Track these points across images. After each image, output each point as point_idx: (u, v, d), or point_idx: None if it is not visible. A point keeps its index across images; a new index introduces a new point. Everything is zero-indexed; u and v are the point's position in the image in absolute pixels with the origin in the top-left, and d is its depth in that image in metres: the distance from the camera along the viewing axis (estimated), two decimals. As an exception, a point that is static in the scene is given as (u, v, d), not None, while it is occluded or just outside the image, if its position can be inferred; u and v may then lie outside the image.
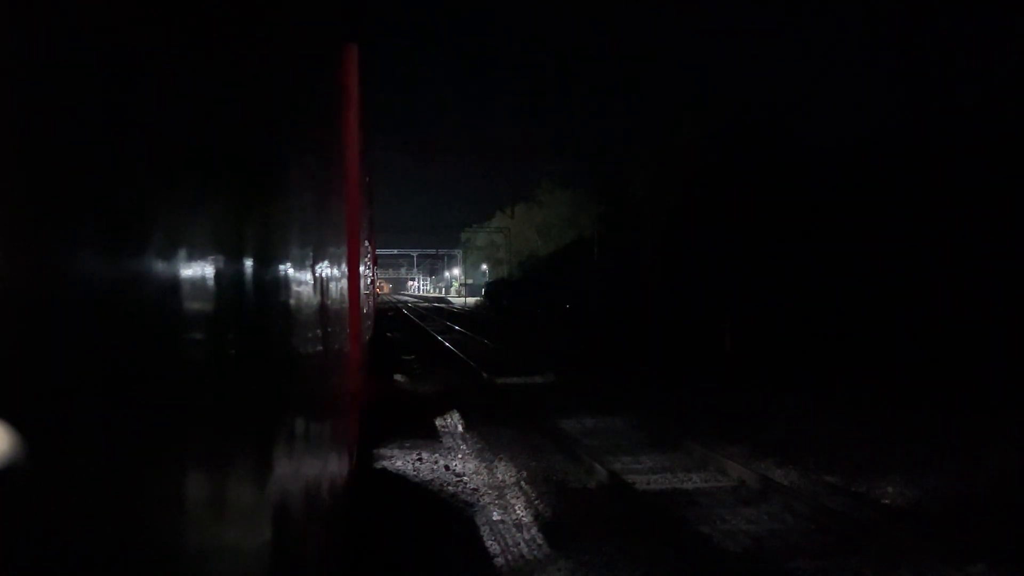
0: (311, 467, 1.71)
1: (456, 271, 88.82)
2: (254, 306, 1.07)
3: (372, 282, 13.32)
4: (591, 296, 24.75)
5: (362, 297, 5.97)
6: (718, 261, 16.84)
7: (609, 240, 25.95)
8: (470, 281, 68.84)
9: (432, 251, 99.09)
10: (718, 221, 17.31)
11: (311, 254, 1.97)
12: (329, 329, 2.45)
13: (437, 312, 40.49)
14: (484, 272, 63.71)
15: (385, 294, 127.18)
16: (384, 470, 5.87)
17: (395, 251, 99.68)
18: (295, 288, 1.59)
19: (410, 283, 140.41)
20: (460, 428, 7.61)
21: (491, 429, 7.44)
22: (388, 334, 21.11)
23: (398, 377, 11.47)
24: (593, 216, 28.72)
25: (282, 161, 1.42)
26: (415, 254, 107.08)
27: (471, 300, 54.70)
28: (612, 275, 24.07)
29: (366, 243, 8.47)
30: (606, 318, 22.30)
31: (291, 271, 1.53)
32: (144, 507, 0.56)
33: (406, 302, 71.52)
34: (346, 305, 3.72)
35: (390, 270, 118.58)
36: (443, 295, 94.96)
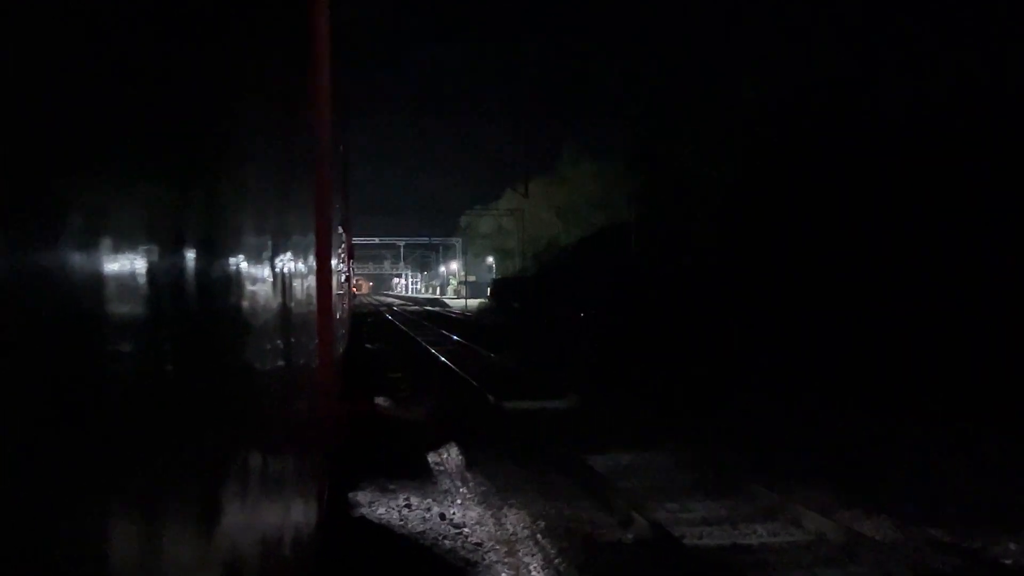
0: (265, 517, 1.71)
1: (454, 265, 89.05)
2: (191, 312, 1.06)
3: (348, 279, 13.38)
4: (627, 294, 24.74)
5: (335, 298, 5.98)
6: (796, 250, 16.72)
7: (650, 224, 25.94)
8: (472, 278, 69.11)
9: (424, 239, 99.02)
10: (792, 201, 17.23)
11: (269, 244, 1.98)
12: (292, 340, 2.47)
13: (430, 318, 40.66)
14: (490, 266, 63.89)
15: (364, 294, 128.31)
16: (363, 519, 5.87)
17: (376, 240, 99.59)
18: (248, 288, 1.59)
19: (396, 281, 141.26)
20: (459, 465, 7.60)
21: (498, 467, 7.42)
22: (368, 346, 21.20)
23: (381, 401, 11.50)
24: (629, 195, 28.69)
25: (229, 123, 1.41)
26: (402, 243, 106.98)
27: (473, 302, 54.91)
28: (654, 268, 24.04)
29: (340, 230, 8.50)
30: (646, 322, 22.28)
31: (242, 266, 1.53)
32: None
33: (391, 304, 71.89)
34: (314, 308, 3.74)
35: (370, 264, 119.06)
36: (438, 295, 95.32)
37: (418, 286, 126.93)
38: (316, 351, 3.73)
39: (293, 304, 2.56)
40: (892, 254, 14.27)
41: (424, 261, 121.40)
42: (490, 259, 63.83)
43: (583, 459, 7.56)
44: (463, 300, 60.50)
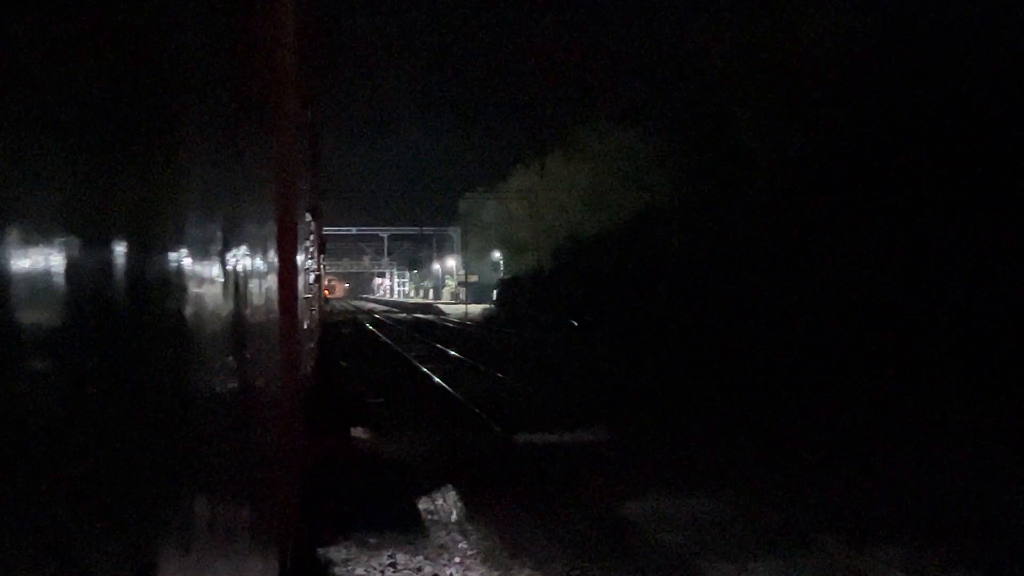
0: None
1: (451, 262, 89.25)
2: (107, 324, 1.05)
3: (318, 279, 13.43)
4: (667, 299, 24.71)
5: (301, 304, 5.99)
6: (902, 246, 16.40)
7: (697, 211, 25.91)
8: (474, 278, 69.26)
9: (413, 229, 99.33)
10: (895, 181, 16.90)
11: (214, 235, 1.99)
12: (245, 357, 2.48)
13: (421, 328, 40.77)
14: (496, 263, 63.99)
15: (338, 298, 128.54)
16: (336, 582, 5.87)
17: (353, 230, 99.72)
18: (186, 291, 1.59)
19: (378, 281, 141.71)
20: (457, 513, 7.59)
21: (506, 515, 7.41)
22: (343, 363, 21.26)
23: (359, 432, 11.52)
24: (673, 173, 28.67)
25: (166, 84, 1.42)
26: (386, 234, 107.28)
27: (475, 308, 55.04)
28: (700, 266, 24.00)
29: (307, 217, 8.52)
30: (690, 333, 22.23)
31: (178, 263, 1.53)
32: None
33: (372, 311, 72.12)
34: (275, 316, 3.74)
35: (346, 260, 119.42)
36: (431, 300, 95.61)
37: (406, 288, 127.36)
38: (277, 370, 3.73)
39: (247, 311, 2.56)
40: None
41: (413, 257, 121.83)
42: (496, 254, 63.86)
43: (613, 505, 7.53)
44: (462, 306, 60.59)
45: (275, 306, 3.74)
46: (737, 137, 24.71)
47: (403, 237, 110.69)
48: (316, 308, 12.95)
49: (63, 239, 0.86)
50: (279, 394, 3.77)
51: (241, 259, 2.43)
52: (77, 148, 0.94)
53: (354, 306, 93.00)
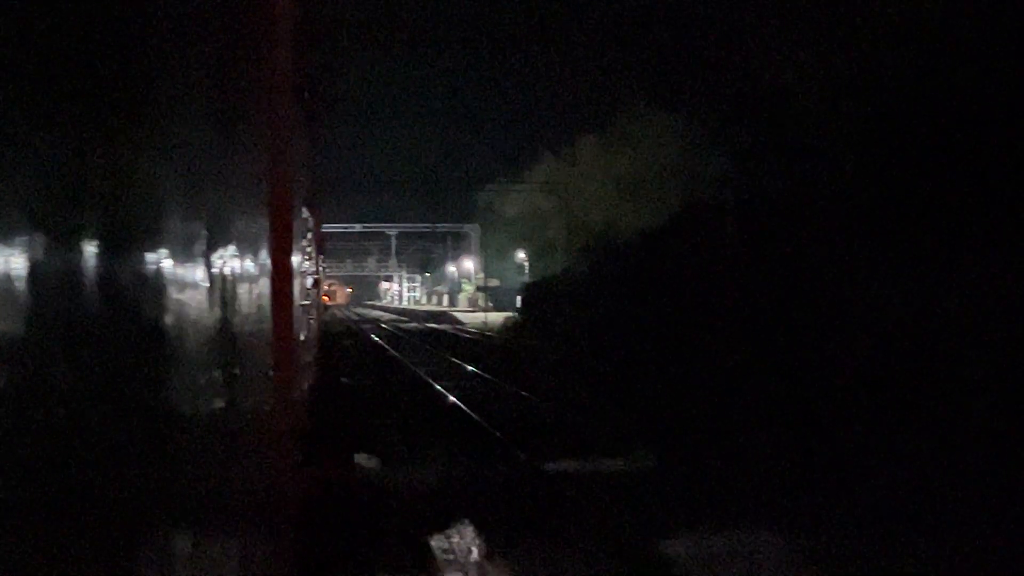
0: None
1: (469, 263, 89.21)
2: (76, 331, 1.06)
3: (316, 283, 13.48)
4: (721, 307, 24.56)
5: (298, 312, 6.00)
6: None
7: (757, 202, 25.72)
8: (494, 282, 69.18)
9: (425, 227, 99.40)
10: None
11: (203, 234, 2.00)
12: (233, 374, 2.48)
13: (434, 339, 40.80)
14: (520, 265, 63.88)
15: (340, 305, 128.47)
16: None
17: (358, 227, 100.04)
18: (163, 299, 1.59)
19: (386, 286, 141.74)
20: (475, 553, 7.58)
21: (532, 556, 7.39)
22: (345, 380, 21.31)
23: (363, 460, 11.54)
24: (727, 160, 28.51)
25: (137, 53, 1.42)
26: (394, 232, 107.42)
27: (496, 317, 54.97)
28: (762, 265, 23.83)
29: (304, 212, 8.56)
30: (749, 344, 22.07)
31: (161, 265, 1.54)
32: None
33: (378, 320, 72.01)
34: (267, 327, 3.75)
35: (349, 262, 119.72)
36: (445, 307, 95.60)
37: (416, 294, 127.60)
38: (270, 389, 3.74)
39: (235, 321, 2.56)
40: None
41: (425, 258, 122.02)
42: (520, 255, 63.82)
43: (658, 544, 7.48)
44: (481, 314, 60.56)
45: (267, 315, 3.74)
46: (799, 117, 24.54)
47: (414, 236, 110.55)
48: (315, 317, 13.00)
49: (21, 237, 0.85)
50: (272, 416, 3.78)
51: (228, 261, 2.43)
52: (45, 135, 0.94)
53: (358, 314, 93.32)
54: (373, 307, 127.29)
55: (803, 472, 10.27)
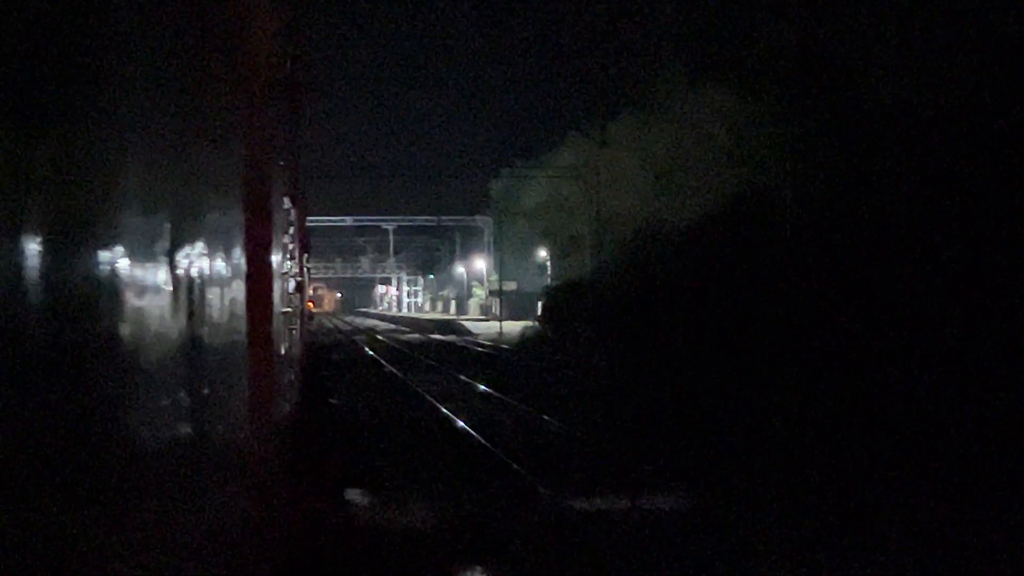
0: None
1: (480, 263, 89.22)
2: (11, 345, 1.05)
3: (300, 287, 13.46)
4: (780, 305, 24.51)
5: (278, 321, 5.96)
6: None
7: (820, 188, 25.63)
8: (511, 285, 69.23)
9: (428, 220, 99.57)
10: None
11: (166, 230, 2.03)
12: (202, 394, 2.50)
13: (439, 353, 40.86)
14: (542, 264, 63.90)
15: (328, 312, 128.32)
16: None
17: (348, 220, 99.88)
18: (125, 304, 1.62)
19: (381, 290, 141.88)
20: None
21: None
22: (334, 401, 21.36)
23: (355, 495, 11.54)
24: (786, 140, 28.41)
25: (80, 14, 1.41)
26: (391, 227, 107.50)
27: (513, 326, 55.09)
28: (828, 261, 23.74)
29: (286, 203, 8.53)
30: (818, 354, 22.00)
31: (115, 267, 1.55)
32: None
33: (373, 329, 72.06)
34: (242, 339, 3.76)
35: (338, 262, 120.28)
36: (453, 315, 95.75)
37: (419, 299, 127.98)
38: (245, 413, 3.73)
39: (203, 333, 2.58)
40: None
41: (429, 257, 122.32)
42: (542, 253, 63.92)
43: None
44: (495, 323, 60.62)
45: (242, 325, 3.74)
46: (870, 93, 24.45)
47: (415, 230, 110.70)
48: (299, 326, 12.99)
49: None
50: (247, 444, 3.75)
51: (195, 261, 2.45)
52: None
53: (349, 323, 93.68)
54: (367, 315, 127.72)
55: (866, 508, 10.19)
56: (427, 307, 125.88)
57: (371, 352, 41.66)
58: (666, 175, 42.92)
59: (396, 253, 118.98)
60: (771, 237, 28.00)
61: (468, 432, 16.42)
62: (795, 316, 24.16)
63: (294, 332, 10.89)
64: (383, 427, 17.43)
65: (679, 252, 33.99)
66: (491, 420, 18.10)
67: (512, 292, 69.91)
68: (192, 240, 2.41)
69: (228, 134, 3.45)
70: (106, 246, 1.50)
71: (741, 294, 27.07)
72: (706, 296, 28.92)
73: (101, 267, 1.46)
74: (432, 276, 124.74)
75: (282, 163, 7.50)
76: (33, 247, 1.13)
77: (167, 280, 2.03)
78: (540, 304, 52.59)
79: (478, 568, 8.39)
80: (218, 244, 2.97)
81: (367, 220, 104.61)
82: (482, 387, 24.37)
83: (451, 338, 56.23)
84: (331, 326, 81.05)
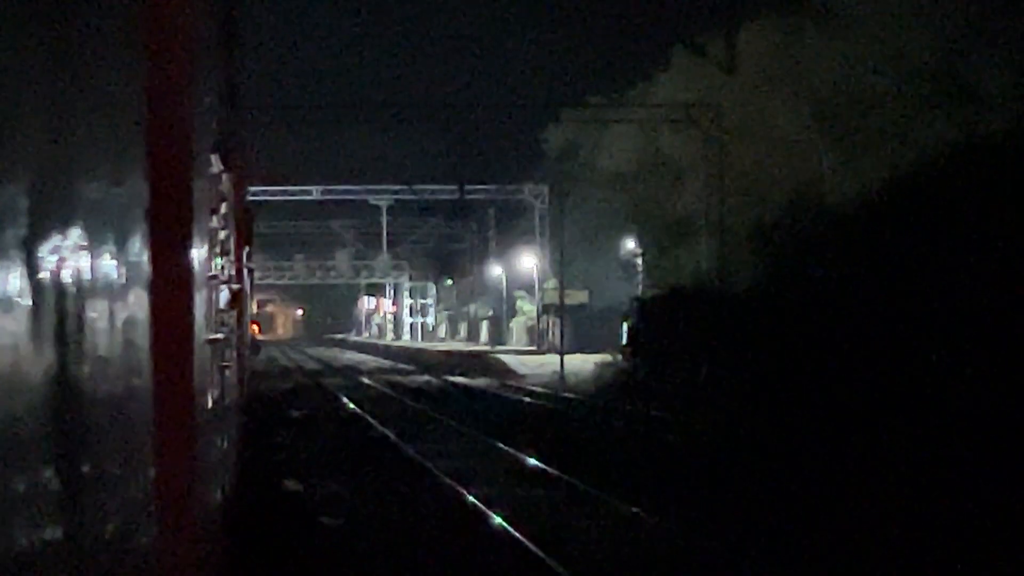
0: None
1: (528, 261, 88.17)
2: None
3: (236, 298, 13.52)
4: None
5: (201, 355, 5.99)
6: None
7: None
8: (579, 298, 68.95)
9: (444, 191, 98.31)
10: None
11: (15, 208, 2.05)
12: (81, 473, 2.51)
13: (460, 405, 40.95)
14: (628, 261, 63.66)
15: (279, 340, 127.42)
16: None
17: (315, 191, 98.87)
18: None
19: (369, 305, 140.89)
20: None
21: None
22: (290, 484, 21.44)
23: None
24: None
25: None
26: (385, 203, 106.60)
27: (581, 362, 54.97)
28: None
29: (215, 166, 8.56)
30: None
31: None
32: None
33: (357, 368, 71.81)
34: (144, 385, 3.82)
35: (300, 257, 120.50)
36: (483, 343, 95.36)
37: (430, 319, 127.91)
38: (145, 506, 3.76)
39: (76, 376, 2.57)
40: None
41: (446, 252, 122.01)
42: (629, 244, 63.87)
43: None
44: (553, 357, 60.39)
45: (142, 363, 3.76)
46: None
47: (422, 208, 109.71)
48: (235, 363, 12.99)
49: None
50: (149, 561, 3.76)
51: (65, 258, 2.44)
52: None
53: (316, 357, 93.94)
54: (344, 345, 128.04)
55: None
56: (442, 331, 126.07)
57: (347, 402, 42.00)
58: (835, 117, 42.86)
59: (392, 245, 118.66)
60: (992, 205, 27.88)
61: (507, 533, 16.44)
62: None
63: (227, 370, 10.88)
64: (371, 530, 17.47)
65: (865, 239, 33.82)
66: (546, 517, 18.29)
67: (578, 306, 69.96)
68: (59, 225, 2.40)
69: (123, 61, 3.45)
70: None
71: (980, 303, 26.94)
72: (918, 310, 28.76)
73: None
74: (451, 281, 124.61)
75: (208, 98, 7.50)
76: None
77: (18, 291, 2.02)
78: (625, 326, 52.44)
79: None
80: (103, 230, 2.96)
81: (345, 192, 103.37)
82: (531, 460, 24.48)
83: (479, 381, 56.34)
84: (287, 363, 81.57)
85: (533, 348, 79.17)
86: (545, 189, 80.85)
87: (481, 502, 19.43)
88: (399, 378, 60.87)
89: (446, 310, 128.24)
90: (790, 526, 17.21)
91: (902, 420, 26.02)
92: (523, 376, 57.36)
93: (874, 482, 21.15)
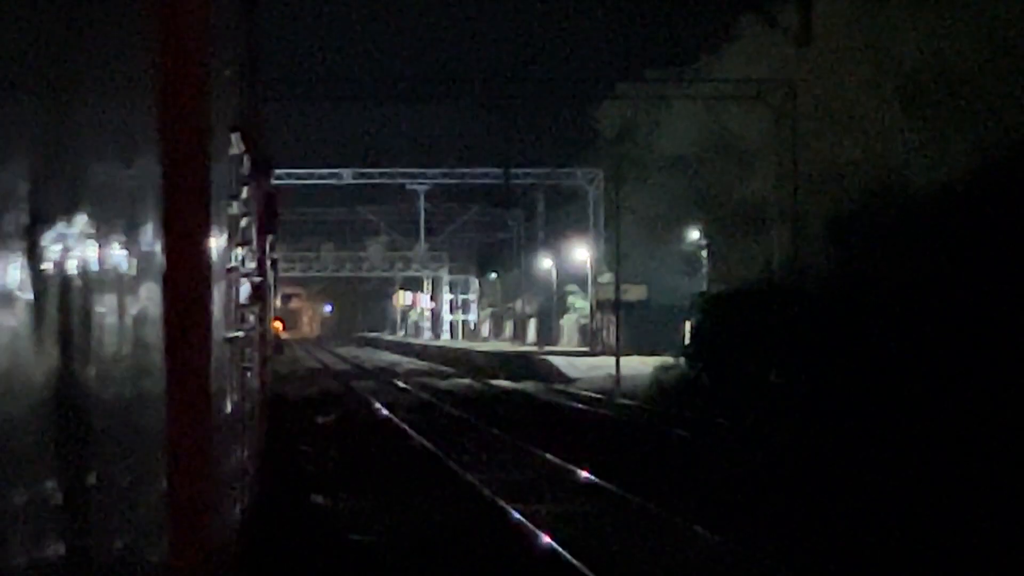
0: None
1: (581, 252, 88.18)
2: None
3: (258, 293, 13.55)
4: None
5: (221, 355, 5.98)
6: None
7: None
8: (637, 293, 69.00)
9: (487, 175, 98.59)
10: None
11: (15, 195, 2.05)
12: (88, 485, 2.52)
13: (504, 411, 41.01)
14: (691, 253, 63.64)
15: (304, 339, 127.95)
16: None
17: (346, 173, 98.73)
18: None
19: (404, 298, 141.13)
20: None
21: None
22: (317, 500, 21.47)
23: None
24: None
25: None
26: (423, 188, 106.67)
27: (639, 364, 54.94)
28: None
29: (235, 145, 8.56)
30: None
31: None
32: None
33: (390, 370, 72.03)
34: (156, 390, 3.83)
35: (327, 248, 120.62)
36: (531, 342, 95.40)
37: (472, 316, 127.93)
38: (161, 520, 3.80)
39: (83, 377, 2.58)
40: None
41: (490, 243, 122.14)
42: (693, 234, 63.88)
43: None
44: (607, 358, 60.35)
45: (155, 363, 3.78)
46: None
47: (463, 194, 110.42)
48: (257, 363, 13.03)
49: None
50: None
51: (70, 249, 2.45)
52: None
53: (346, 357, 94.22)
54: (378, 345, 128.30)
55: None
56: (485, 330, 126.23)
57: (380, 408, 42.11)
58: (921, 95, 42.79)
59: (430, 235, 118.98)
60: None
61: (563, 558, 16.42)
62: None
63: (249, 372, 10.90)
64: (407, 552, 17.50)
65: (953, 231, 33.74)
66: (611, 543, 18.31)
67: (636, 303, 70.03)
68: (61, 208, 2.40)
69: (126, 11, 3.46)
70: None
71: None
72: (1016, 310, 28.68)
73: None
74: (495, 275, 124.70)
75: (228, 71, 7.51)
76: None
77: (18, 284, 2.02)
78: (688, 326, 52.40)
79: None
80: (112, 218, 2.97)
81: (379, 175, 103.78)
82: (583, 474, 24.56)
83: (525, 385, 56.41)
84: (313, 364, 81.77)
85: (585, 349, 79.29)
86: (599, 173, 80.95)
87: (529, 520, 19.46)
88: (438, 382, 61.04)
89: (490, 306, 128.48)
90: (899, 557, 17.11)
91: (1005, 427, 25.94)
92: (574, 380, 57.38)
93: (993, 499, 21.00)
